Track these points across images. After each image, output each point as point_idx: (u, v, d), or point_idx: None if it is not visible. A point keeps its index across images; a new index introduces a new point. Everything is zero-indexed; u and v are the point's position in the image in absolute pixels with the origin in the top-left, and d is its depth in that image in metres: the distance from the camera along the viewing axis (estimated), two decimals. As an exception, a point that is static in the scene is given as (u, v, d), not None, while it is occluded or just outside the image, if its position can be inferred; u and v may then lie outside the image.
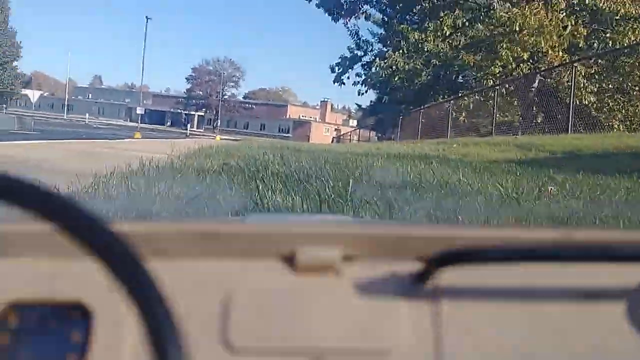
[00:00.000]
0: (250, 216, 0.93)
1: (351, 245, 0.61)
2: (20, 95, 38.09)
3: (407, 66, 23.69)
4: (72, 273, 0.58)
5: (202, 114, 78.62)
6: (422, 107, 23.22)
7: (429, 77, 24.69)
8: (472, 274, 0.59)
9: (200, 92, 75.97)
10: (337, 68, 31.78)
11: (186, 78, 77.98)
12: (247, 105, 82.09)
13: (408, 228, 0.68)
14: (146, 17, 43.32)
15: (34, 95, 36.46)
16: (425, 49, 23.37)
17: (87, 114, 62.28)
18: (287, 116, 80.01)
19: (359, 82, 31.09)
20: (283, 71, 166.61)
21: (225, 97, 74.79)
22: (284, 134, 72.78)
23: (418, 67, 23.79)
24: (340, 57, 31.84)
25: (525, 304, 0.59)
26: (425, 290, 0.59)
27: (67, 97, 74.62)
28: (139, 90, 67.67)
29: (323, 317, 0.58)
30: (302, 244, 0.60)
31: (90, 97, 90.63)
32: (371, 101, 38.51)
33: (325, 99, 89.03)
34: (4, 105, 36.97)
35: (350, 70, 31.54)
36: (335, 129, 75.20)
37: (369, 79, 30.13)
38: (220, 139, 49.11)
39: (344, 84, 31.76)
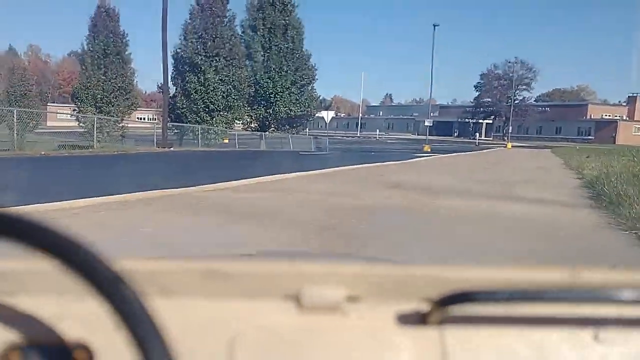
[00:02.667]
0: (256, 254, 0.84)
1: (356, 285, 0.61)
2: (315, 117, 40.15)
3: None
4: (76, 313, 0.58)
5: (490, 121, 74.76)
6: None
7: None
8: (478, 313, 0.60)
9: (489, 99, 72.13)
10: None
11: (474, 86, 75.17)
12: (540, 108, 75.22)
13: (412, 268, 0.67)
14: (433, 24, 41.95)
15: (327, 116, 38.04)
16: None
17: (377, 130, 64.55)
18: (588, 116, 71.60)
19: None
20: (579, 67, 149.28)
21: (516, 101, 69.27)
22: (585, 137, 66.06)
23: None
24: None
25: (533, 342, 0.60)
26: (431, 331, 0.60)
27: (360, 116, 79.12)
28: (425, 103, 67.54)
29: (328, 357, 0.58)
30: (308, 284, 0.61)
31: (380, 114, 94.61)
32: None
33: (634, 94, 77.92)
34: (303, 127, 39.31)
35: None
36: (653, 127, 64.95)
37: None
38: (512, 146, 45.47)
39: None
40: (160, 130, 25.93)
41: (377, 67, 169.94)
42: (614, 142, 59.47)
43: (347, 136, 60.88)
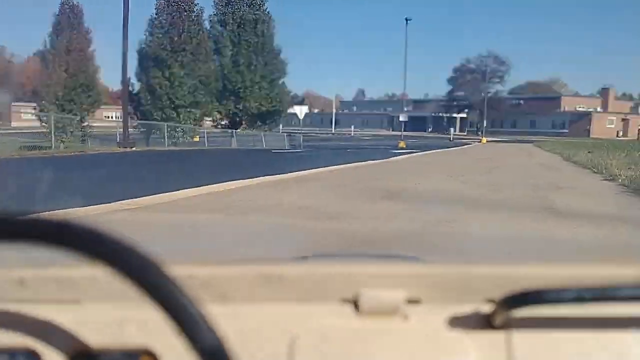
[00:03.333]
0: (312, 256, 0.81)
1: (416, 287, 0.60)
2: (288, 113, 39.30)
3: None
4: (138, 318, 0.58)
5: (465, 115, 74.70)
6: None
7: None
8: (546, 314, 0.57)
9: (462, 93, 72.07)
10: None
11: (447, 80, 75.07)
12: (514, 101, 75.44)
13: (473, 267, 0.64)
14: (406, 18, 41.65)
15: (301, 112, 37.22)
16: None
17: (352, 126, 63.93)
18: (562, 109, 71.56)
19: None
20: (551, 60, 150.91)
21: (489, 94, 69.43)
22: (559, 130, 66.04)
23: None
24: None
25: (609, 345, 0.57)
26: (495, 333, 0.58)
27: (334, 112, 78.39)
28: (399, 98, 67.26)
29: None
30: (365, 286, 0.59)
31: (354, 109, 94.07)
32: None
33: (607, 86, 78.70)
34: (276, 124, 38.50)
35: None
36: (623, 119, 66.62)
37: None
38: (487, 141, 45.16)
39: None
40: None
41: (348, 62, 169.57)
42: (589, 135, 59.16)
43: (321, 133, 60.01)
